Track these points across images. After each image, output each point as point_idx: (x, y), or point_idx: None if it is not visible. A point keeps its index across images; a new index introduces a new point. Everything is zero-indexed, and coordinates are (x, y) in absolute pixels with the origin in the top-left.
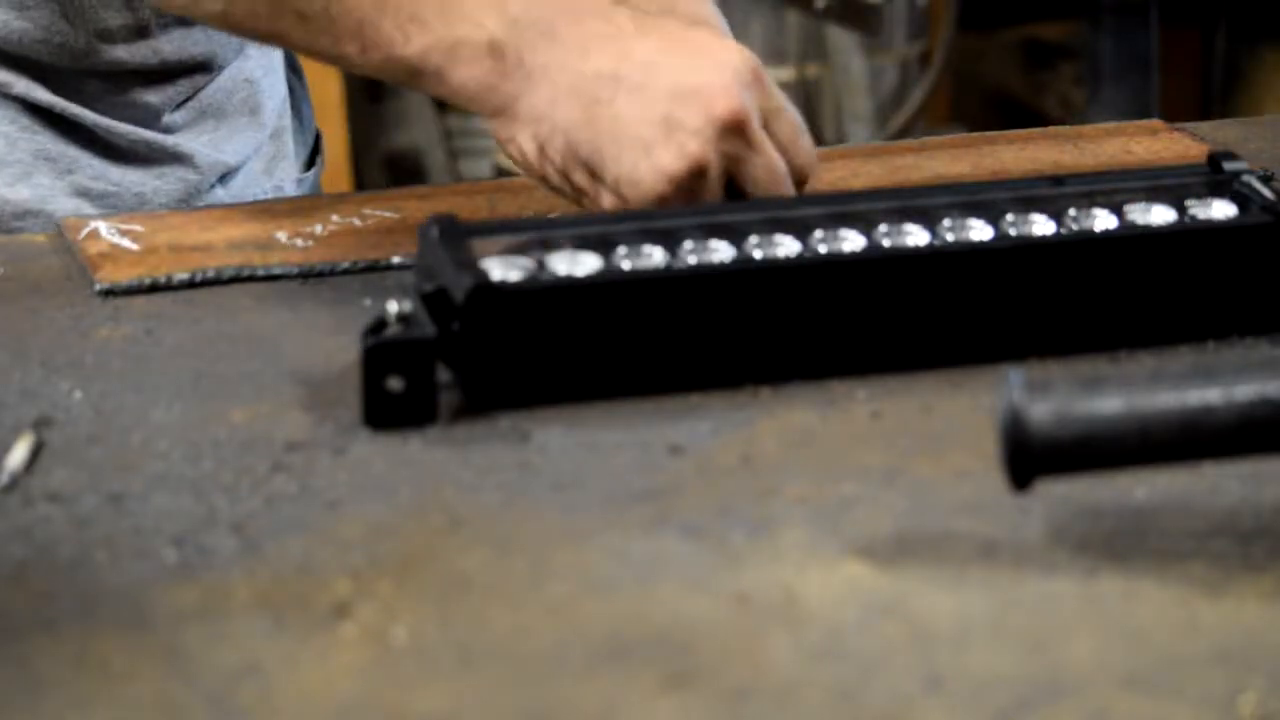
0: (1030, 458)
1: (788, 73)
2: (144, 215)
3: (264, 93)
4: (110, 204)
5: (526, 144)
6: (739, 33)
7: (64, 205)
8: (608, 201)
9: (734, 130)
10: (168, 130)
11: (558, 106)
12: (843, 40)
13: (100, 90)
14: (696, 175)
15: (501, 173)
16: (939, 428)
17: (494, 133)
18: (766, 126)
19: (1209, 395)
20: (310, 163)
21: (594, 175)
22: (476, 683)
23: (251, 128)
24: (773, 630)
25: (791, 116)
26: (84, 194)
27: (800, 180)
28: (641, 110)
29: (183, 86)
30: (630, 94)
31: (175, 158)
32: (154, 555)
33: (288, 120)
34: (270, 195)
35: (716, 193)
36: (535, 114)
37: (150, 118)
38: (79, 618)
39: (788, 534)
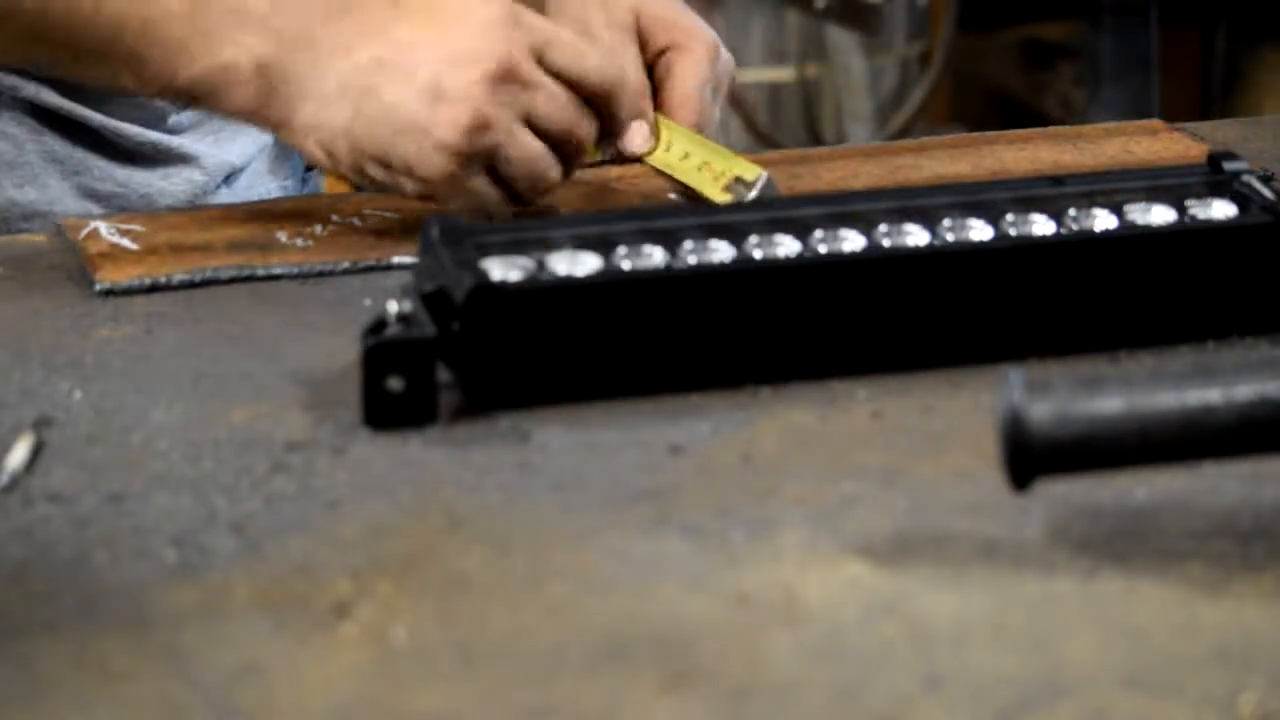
0: (1030, 458)
1: (788, 73)
2: (144, 215)
3: None
4: (118, 205)
5: (315, 151)
6: (739, 32)
7: (72, 207)
8: (410, 188)
9: (504, 78)
10: (174, 131)
11: (330, 111)
12: (843, 40)
13: (107, 92)
14: (479, 136)
15: None
16: (939, 428)
17: (287, 143)
18: (543, 61)
19: (1209, 395)
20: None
21: (386, 166)
22: (476, 683)
23: (256, 128)
24: (773, 630)
25: (567, 41)
26: (91, 195)
27: (602, 97)
28: (408, 92)
29: None
30: (394, 79)
31: (182, 159)
32: (154, 555)
33: None
34: (276, 195)
35: (524, 144)
36: (312, 123)
37: (156, 119)
38: (79, 618)
39: (788, 534)
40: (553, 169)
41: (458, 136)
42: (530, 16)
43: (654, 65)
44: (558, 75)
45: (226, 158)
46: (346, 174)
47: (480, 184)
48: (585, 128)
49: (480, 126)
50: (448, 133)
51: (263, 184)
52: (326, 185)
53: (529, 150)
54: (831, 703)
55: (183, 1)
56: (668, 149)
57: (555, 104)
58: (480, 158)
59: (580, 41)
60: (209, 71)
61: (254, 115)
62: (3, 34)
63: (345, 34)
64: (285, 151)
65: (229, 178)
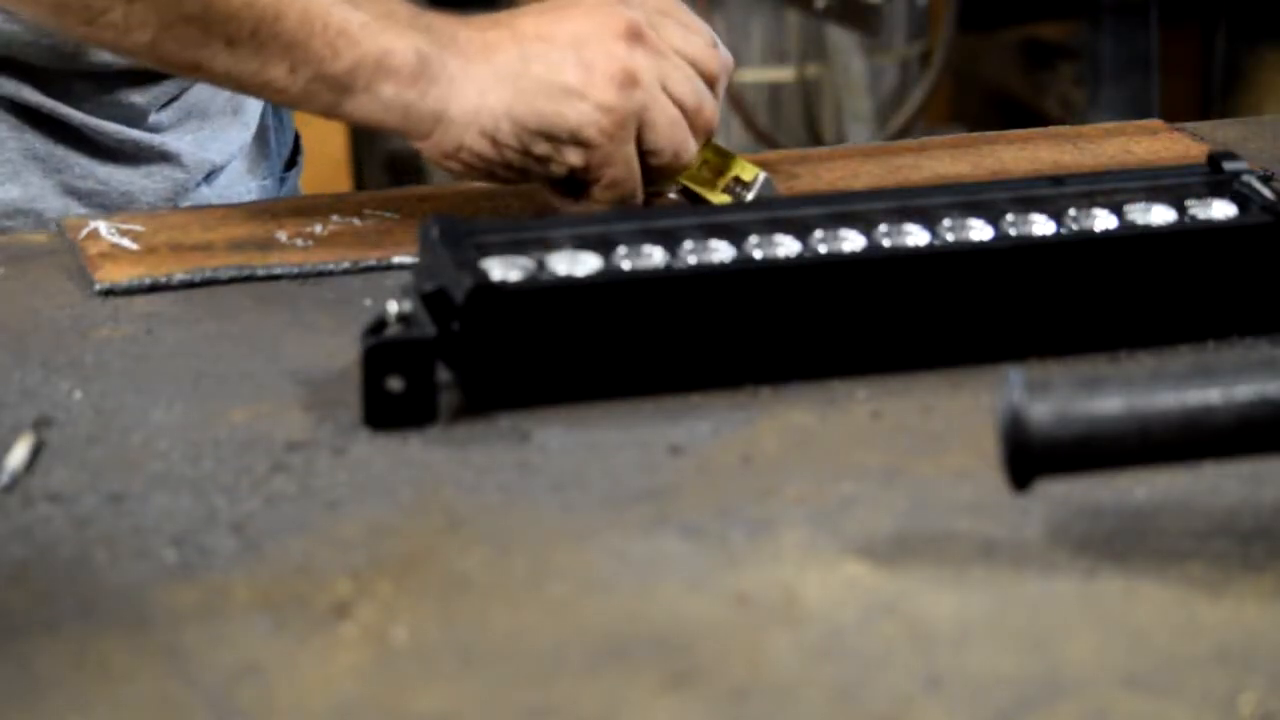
0: (1030, 458)
1: (788, 73)
2: (144, 215)
3: None
4: (98, 202)
5: (476, 141)
6: (739, 33)
7: (53, 204)
8: (573, 157)
9: (636, 38)
10: (154, 130)
11: (488, 95)
12: (843, 40)
13: (88, 90)
14: (631, 92)
15: None
16: (939, 428)
17: (434, 150)
18: (660, 35)
19: (1209, 395)
20: (291, 162)
21: (551, 138)
22: (476, 683)
23: (235, 127)
24: (773, 630)
25: (673, 21)
26: (72, 193)
27: (710, 80)
28: (558, 65)
29: (168, 86)
30: (543, 60)
31: (162, 156)
32: (154, 555)
33: (270, 120)
34: (255, 194)
35: (666, 106)
36: (473, 110)
37: (137, 117)
38: (79, 618)
39: (788, 534)
40: (689, 140)
41: (614, 93)
42: (636, 6)
43: None
44: (676, 49)
45: (206, 156)
46: (506, 158)
47: (631, 151)
48: (709, 105)
49: (630, 81)
50: (603, 91)
51: (242, 183)
52: (303, 186)
53: (670, 114)
54: (831, 703)
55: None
56: None
57: (684, 73)
58: (633, 118)
59: (686, 26)
60: (369, 56)
61: (407, 110)
62: (160, 19)
63: (482, 39)
64: (263, 151)
65: (209, 176)
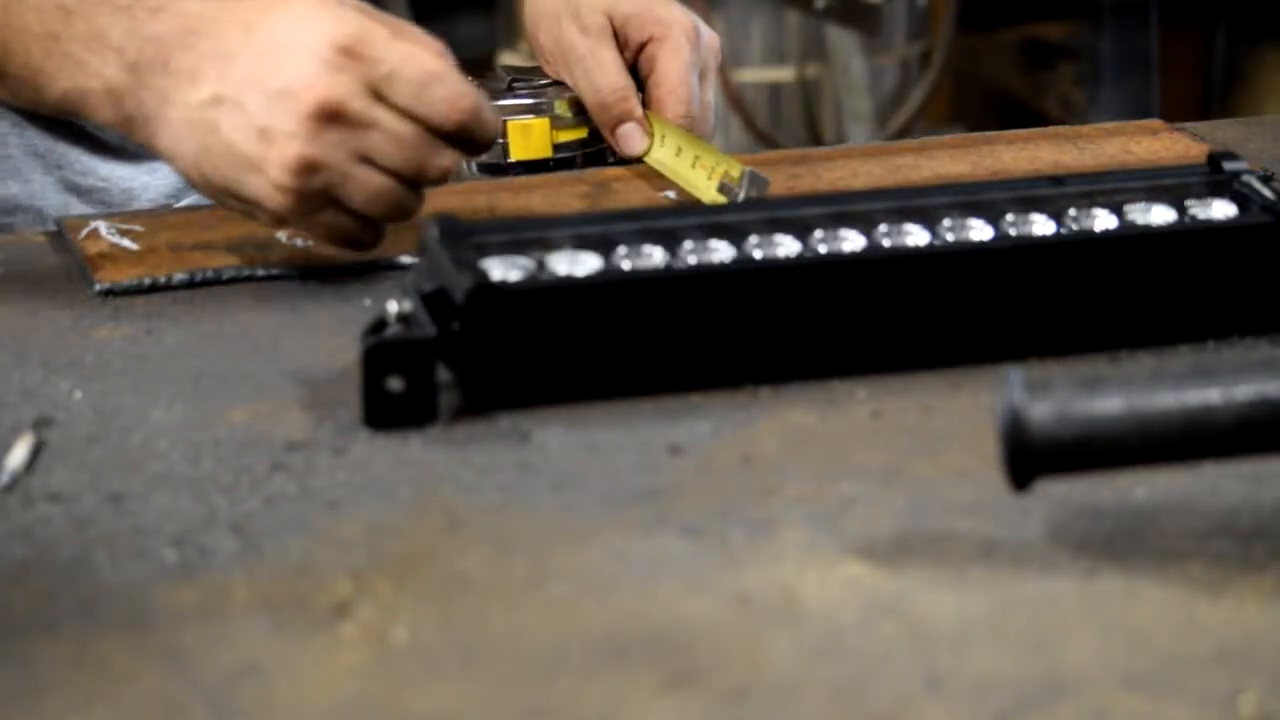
0: (1030, 458)
1: (788, 73)
2: (144, 215)
3: None
4: (99, 199)
5: (179, 176)
6: (739, 33)
7: (53, 201)
8: (263, 219)
9: (328, 119)
10: None
11: (181, 145)
12: (843, 40)
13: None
14: (310, 177)
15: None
16: (939, 428)
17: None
18: (383, 98)
19: (1209, 395)
20: None
21: (235, 197)
22: (476, 683)
23: None
24: (773, 630)
25: (409, 74)
26: (73, 190)
27: (453, 132)
28: (243, 131)
29: None
30: (231, 116)
31: None
32: (154, 555)
33: None
34: None
35: (364, 182)
36: (169, 154)
37: None
38: (79, 618)
39: (788, 534)
40: (407, 200)
41: (289, 178)
42: (377, 47)
43: (637, 61)
44: (402, 112)
45: None
46: (208, 196)
47: (330, 217)
48: (437, 161)
49: (308, 168)
50: (279, 173)
51: None
52: None
53: (370, 188)
54: (831, 703)
55: (44, 24)
56: (662, 144)
57: (396, 143)
58: (317, 196)
59: (430, 73)
60: (68, 94)
61: (126, 135)
62: None
63: (196, 60)
64: None
65: None
